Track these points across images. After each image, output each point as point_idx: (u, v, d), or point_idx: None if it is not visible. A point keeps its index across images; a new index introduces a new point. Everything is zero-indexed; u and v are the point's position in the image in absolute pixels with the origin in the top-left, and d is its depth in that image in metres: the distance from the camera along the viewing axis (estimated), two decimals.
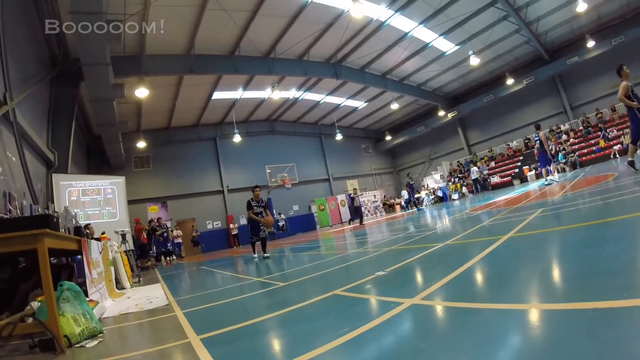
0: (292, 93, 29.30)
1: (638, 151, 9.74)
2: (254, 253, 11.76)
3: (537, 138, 16.30)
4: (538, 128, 16.87)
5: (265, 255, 10.99)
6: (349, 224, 22.44)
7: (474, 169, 31.35)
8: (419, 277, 4.10)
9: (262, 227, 11.35)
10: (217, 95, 26.15)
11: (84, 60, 13.53)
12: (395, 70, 29.42)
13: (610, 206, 5.95)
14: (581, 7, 22.34)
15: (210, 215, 30.41)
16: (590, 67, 28.19)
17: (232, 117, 29.97)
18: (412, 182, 27.22)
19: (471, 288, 3.13)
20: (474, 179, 30.91)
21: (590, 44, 26.66)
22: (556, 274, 3.02)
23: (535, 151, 16.86)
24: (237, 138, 28.87)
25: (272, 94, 23.65)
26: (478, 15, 23.26)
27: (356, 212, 23.05)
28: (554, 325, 1.95)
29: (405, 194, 36.64)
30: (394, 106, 33.45)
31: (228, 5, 17.14)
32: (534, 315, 2.15)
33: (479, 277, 3.50)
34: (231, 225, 29.63)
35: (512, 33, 26.55)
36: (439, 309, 2.74)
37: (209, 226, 30.06)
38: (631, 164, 9.73)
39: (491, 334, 2.02)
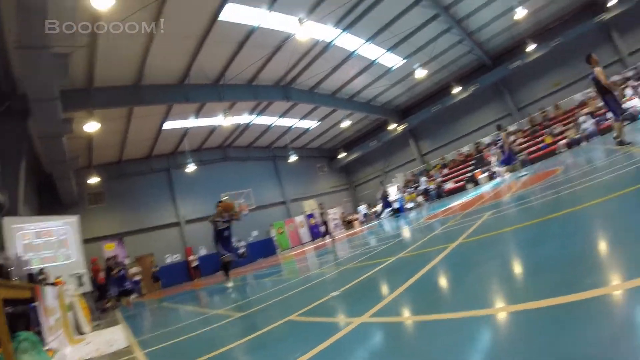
0: (244, 118, 29.04)
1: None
2: (227, 277, 10.86)
3: (500, 138, 16.95)
4: (499, 128, 17.53)
5: (229, 284, 10.58)
6: (326, 238, 22.84)
7: (423, 179, 32.84)
8: (369, 295, 4.18)
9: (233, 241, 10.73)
10: (169, 125, 25.75)
11: (32, 95, 13.16)
12: (345, 88, 29.84)
13: (553, 202, 6.29)
14: (519, 14, 23.58)
15: (169, 249, 29.43)
16: (532, 69, 29.65)
17: (185, 146, 29.44)
18: (387, 191, 27.56)
19: (418, 301, 3.25)
20: (424, 189, 31.77)
21: (531, 47, 28.03)
22: (501, 277, 3.18)
23: (486, 154, 17.50)
24: (190, 167, 28.31)
25: (224, 121, 23.57)
26: (422, 30, 24.07)
27: (324, 226, 23.33)
28: (499, 330, 2.06)
29: (362, 209, 37.27)
30: (345, 124, 34.08)
31: (176, 33, 17.07)
32: (480, 323, 2.25)
33: (425, 289, 3.61)
34: (191, 257, 28.87)
35: (455, 44, 27.54)
36: (387, 325, 2.84)
37: (169, 260, 29.08)
38: (621, 143, 9.92)
39: (436, 346, 2.12)
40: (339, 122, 34.56)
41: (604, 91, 10.00)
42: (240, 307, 6.46)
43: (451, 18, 23.54)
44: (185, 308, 9.89)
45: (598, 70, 9.89)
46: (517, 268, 3.28)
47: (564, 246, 3.29)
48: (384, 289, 4.23)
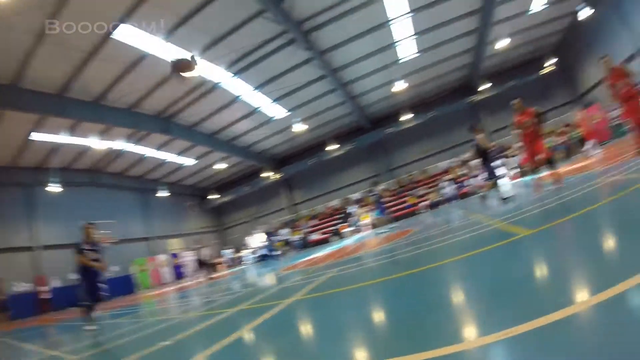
0: (119, 144, 27.38)
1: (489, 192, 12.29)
2: (90, 319, 7.78)
3: (376, 193, 18.73)
4: (375, 184, 19.57)
5: (91, 327, 7.64)
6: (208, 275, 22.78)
7: (284, 231, 34.31)
8: (196, 347, 4.38)
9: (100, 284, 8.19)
10: (38, 136, 23.43)
11: None
12: (226, 130, 30.27)
13: (402, 260, 6.93)
14: (398, 87, 26.67)
15: (20, 276, 25.48)
16: (406, 135, 33.86)
17: (52, 163, 26.85)
18: (272, 232, 27.97)
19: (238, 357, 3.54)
20: (285, 239, 33.00)
21: (408, 116, 31.53)
22: (321, 337, 3.45)
23: (352, 212, 19.04)
24: (55, 187, 25.84)
25: (98, 143, 22.67)
26: (309, 87, 25.74)
27: (202, 265, 23.28)
28: None
29: (227, 252, 37.14)
30: (220, 166, 34.86)
31: (67, 42, 16.21)
32: None
33: (246, 345, 3.94)
34: (42, 288, 25.66)
35: (338, 104, 29.74)
36: None
37: (19, 288, 25.05)
38: (483, 197, 12.17)
39: None
40: (215, 162, 34.90)
41: (484, 156, 11.64)
42: (76, 350, 6.47)
43: (337, 81, 25.39)
44: (25, 346, 9.46)
45: (480, 137, 11.68)
46: (344, 329, 3.42)
47: (399, 306, 3.63)
48: (213, 341, 4.26)
